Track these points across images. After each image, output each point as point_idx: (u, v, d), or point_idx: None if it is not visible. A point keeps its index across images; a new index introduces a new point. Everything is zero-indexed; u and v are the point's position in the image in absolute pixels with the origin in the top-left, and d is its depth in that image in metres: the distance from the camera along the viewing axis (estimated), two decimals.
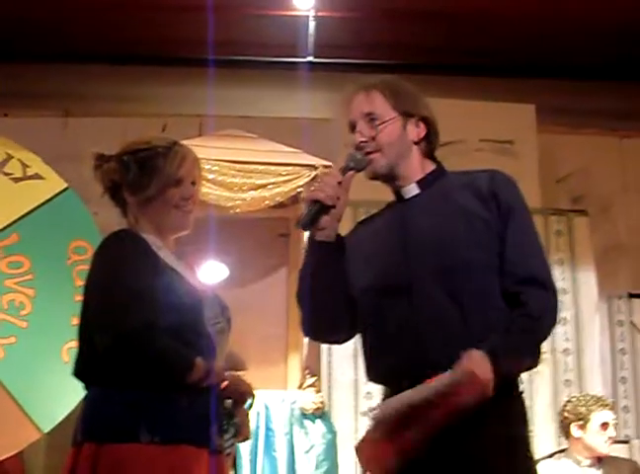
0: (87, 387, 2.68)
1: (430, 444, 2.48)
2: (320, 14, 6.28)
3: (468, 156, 6.04)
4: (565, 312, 6.07)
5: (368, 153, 2.67)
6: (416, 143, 2.72)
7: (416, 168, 2.73)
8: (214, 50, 6.07)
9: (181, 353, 2.61)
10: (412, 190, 2.72)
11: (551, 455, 5.10)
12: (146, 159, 2.78)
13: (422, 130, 2.72)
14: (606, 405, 4.93)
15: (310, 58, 6.66)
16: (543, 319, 2.55)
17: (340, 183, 2.60)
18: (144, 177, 2.76)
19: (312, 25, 6.35)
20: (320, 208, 2.58)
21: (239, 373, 2.83)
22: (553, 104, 6.59)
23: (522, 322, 2.51)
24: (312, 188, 2.66)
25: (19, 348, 5.09)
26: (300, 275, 2.74)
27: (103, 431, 2.57)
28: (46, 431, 4.98)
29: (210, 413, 2.64)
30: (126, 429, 2.54)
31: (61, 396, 4.75)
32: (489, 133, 6.34)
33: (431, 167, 2.76)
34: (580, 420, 4.84)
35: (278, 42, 6.55)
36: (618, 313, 6.63)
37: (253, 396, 2.83)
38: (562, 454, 5.01)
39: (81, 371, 2.68)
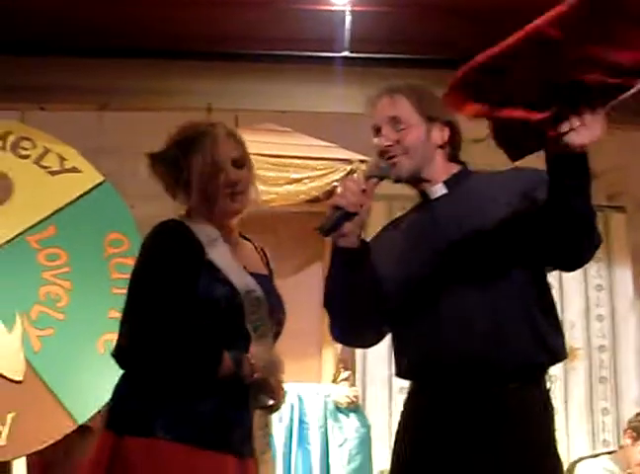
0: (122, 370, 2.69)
1: (452, 440, 2.52)
2: (356, 8, 6.27)
3: (501, 152, 6.01)
4: (601, 309, 6.06)
5: (393, 157, 2.69)
6: (440, 147, 2.74)
7: (440, 171, 2.75)
8: (250, 45, 6.09)
9: (208, 347, 2.60)
10: (439, 189, 2.74)
11: (596, 455, 5.07)
12: (183, 150, 2.77)
13: (446, 135, 2.74)
14: None
15: (346, 53, 6.65)
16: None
17: (364, 190, 2.59)
18: (184, 167, 2.75)
19: (348, 19, 6.34)
20: (342, 215, 2.57)
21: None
22: None
23: None
24: (336, 194, 2.65)
25: (56, 340, 5.14)
26: (326, 281, 2.75)
27: (123, 422, 2.58)
28: (81, 422, 5.03)
29: (236, 417, 2.64)
30: (144, 423, 2.54)
31: (97, 388, 4.79)
32: None
33: (455, 169, 2.78)
34: (634, 431, 4.74)
35: (313, 37, 6.55)
36: None
37: (277, 401, 2.78)
38: (609, 456, 4.95)
39: (116, 355, 2.68)
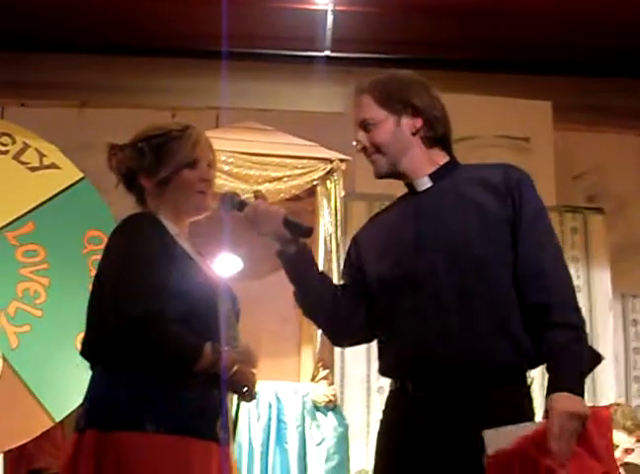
0: (92, 367, 2.67)
1: (435, 433, 2.51)
2: (338, 8, 6.28)
3: (483, 152, 6.03)
4: None
5: (369, 156, 2.73)
6: (414, 135, 2.71)
7: (422, 160, 2.72)
8: (232, 43, 6.08)
9: (189, 340, 2.59)
10: (424, 183, 2.71)
11: None
12: (161, 144, 2.80)
13: (417, 121, 2.70)
14: (629, 429, 4.82)
15: (327, 52, 6.67)
16: (580, 327, 2.54)
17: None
18: (160, 161, 2.77)
19: (330, 19, 6.35)
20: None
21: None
22: (570, 101, 6.57)
23: (567, 336, 2.50)
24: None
25: (33, 336, 5.11)
26: (293, 293, 2.79)
27: (108, 418, 2.55)
28: (59, 419, 5.00)
29: (217, 406, 2.65)
30: (132, 417, 2.53)
31: (74, 385, 4.74)
32: (505, 130, 6.33)
33: (442, 158, 2.74)
34: None
35: (295, 36, 6.55)
36: (632, 312, 6.61)
37: (250, 392, 2.80)
38: None
39: (88, 351, 2.68)
